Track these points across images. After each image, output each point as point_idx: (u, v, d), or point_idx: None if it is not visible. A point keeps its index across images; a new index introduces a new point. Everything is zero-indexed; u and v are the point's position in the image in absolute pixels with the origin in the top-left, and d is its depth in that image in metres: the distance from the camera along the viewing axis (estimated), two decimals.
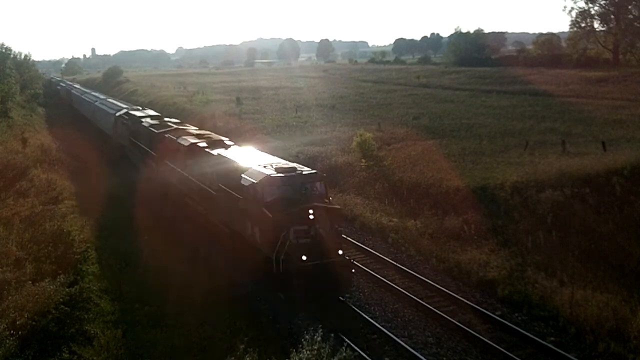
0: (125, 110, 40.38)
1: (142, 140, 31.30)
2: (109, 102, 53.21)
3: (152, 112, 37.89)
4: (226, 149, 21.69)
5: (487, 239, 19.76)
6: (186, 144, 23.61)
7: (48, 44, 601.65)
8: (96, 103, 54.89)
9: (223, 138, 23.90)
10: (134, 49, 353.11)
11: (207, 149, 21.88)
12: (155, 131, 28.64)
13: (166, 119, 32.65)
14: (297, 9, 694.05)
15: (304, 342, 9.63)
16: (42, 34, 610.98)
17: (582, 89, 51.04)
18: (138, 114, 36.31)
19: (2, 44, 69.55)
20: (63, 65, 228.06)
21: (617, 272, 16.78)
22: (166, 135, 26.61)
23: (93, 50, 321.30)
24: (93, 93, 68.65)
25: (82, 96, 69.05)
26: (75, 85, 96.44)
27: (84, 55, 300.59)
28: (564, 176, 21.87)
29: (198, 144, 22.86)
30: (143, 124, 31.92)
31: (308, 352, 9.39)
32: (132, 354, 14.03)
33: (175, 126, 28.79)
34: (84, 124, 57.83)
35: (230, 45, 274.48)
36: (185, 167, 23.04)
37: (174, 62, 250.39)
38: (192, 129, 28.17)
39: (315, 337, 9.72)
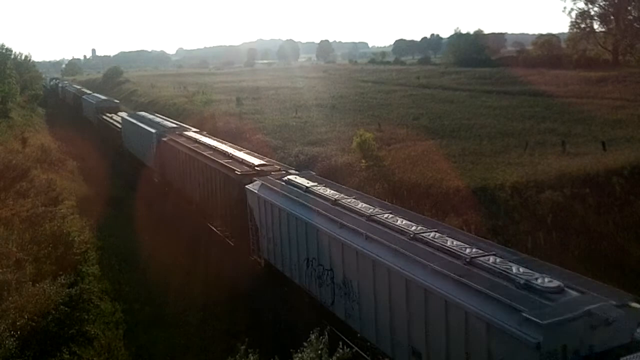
0: None
1: None
2: None
3: None
4: None
5: (487, 239, 19.70)
6: None
7: (48, 45, 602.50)
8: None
9: None
10: (134, 49, 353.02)
11: None
12: None
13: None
14: (297, 10, 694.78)
15: (307, 343, 9.70)
16: (42, 34, 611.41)
17: (582, 89, 51.01)
18: None
19: (3, 45, 69.32)
20: (63, 65, 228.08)
21: (617, 272, 16.78)
22: None
23: (93, 51, 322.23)
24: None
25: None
26: (166, 122, 34.06)
27: (84, 56, 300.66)
28: (564, 176, 21.87)
29: None
30: None
31: (310, 352, 9.43)
32: (132, 354, 14.04)
33: None
34: None
35: (230, 45, 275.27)
36: None
37: (174, 63, 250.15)
38: None
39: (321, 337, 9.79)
